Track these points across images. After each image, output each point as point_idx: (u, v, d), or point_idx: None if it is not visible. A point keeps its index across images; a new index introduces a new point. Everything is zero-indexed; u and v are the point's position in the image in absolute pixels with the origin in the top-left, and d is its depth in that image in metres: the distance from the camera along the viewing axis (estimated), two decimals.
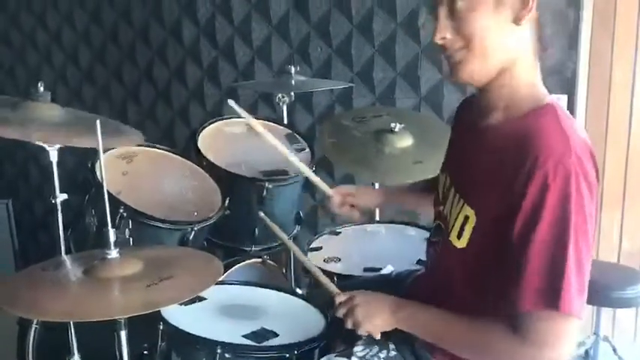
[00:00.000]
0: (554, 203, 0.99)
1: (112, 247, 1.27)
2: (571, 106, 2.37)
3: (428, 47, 2.53)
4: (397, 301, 1.21)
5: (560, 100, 2.37)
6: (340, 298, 1.26)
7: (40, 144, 1.49)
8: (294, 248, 1.49)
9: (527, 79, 1.12)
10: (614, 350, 2.20)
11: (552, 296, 0.99)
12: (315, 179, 1.67)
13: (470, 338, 1.12)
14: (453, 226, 1.15)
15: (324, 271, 1.77)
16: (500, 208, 1.04)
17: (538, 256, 1.00)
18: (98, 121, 1.18)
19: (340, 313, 1.24)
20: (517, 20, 1.07)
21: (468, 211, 1.12)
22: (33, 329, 1.79)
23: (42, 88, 1.56)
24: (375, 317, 1.20)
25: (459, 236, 1.14)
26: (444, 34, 1.10)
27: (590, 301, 2.01)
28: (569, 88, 2.37)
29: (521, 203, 1.01)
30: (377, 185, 2.15)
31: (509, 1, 1.06)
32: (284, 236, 1.53)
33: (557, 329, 1.01)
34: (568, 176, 0.99)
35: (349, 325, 1.22)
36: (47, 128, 1.48)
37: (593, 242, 1.06)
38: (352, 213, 1.64)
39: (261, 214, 1.59)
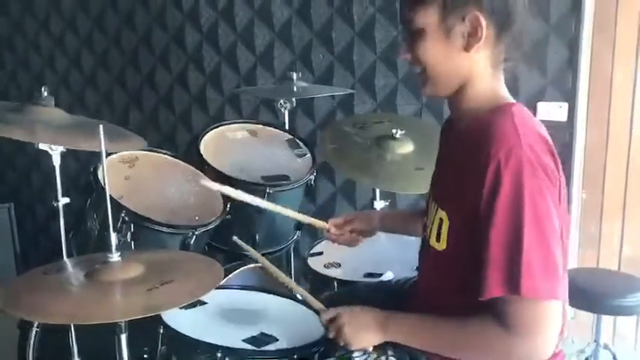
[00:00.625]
0: (507, 190, 1.02)
1: (114, 251, 1.28)
2: (572, 114, 2.38)
3: None
4: (383, 313, 1.22)
5: (561, 109, 2.38)
6: (325, 315, 1.26)
7: (44, 148, 1.50)
8: (272, 268, 1.49)
9: (487, 88, 1.16)
10: (614, 358, 2.19)
11: (513, 281, 1.01)
12: (308, 220, 1.65)
13: (458, 338, 1.13)
14: (431, 230, 1.19)
15: (325, 277, 1.79)
16: (466, 206, 1.08)
17: (495, 242, 1.03)
18: (101, 126, 1.19)
19: (330, 334, 1.25)
20: (467, 47, 1.11)
21: (442, 214, 1.16)
22: (33, 333, 1.80)
23: (46, 93, 1.57)
24: (363, 334, 1.20)
25: (438, 239, 1.17)
26: (405, 54, 1.18)
27: (590, 309, 2.05)
28: (569, 96, 2.38)
29: (481, 196, 1.03)
30: (377, 191, 2.16)
31: (459, 31, 1.10)
32: (262, 258, 1.52)
33: (527, 313, 1.02)
34: (520, 164, 1.02)
35: (340, 343, 1.23)
36: (51, 131, 1.49)
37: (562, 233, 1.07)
38: (352, 239, 1.64)
39: (235, 238, 1.58)
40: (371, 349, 1.22)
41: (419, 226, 1.38)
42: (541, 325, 1.02)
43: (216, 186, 1.53)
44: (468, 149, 1.10)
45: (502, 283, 1.02)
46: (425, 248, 1.28)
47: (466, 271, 1.11)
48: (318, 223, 1.64)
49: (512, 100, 1.17)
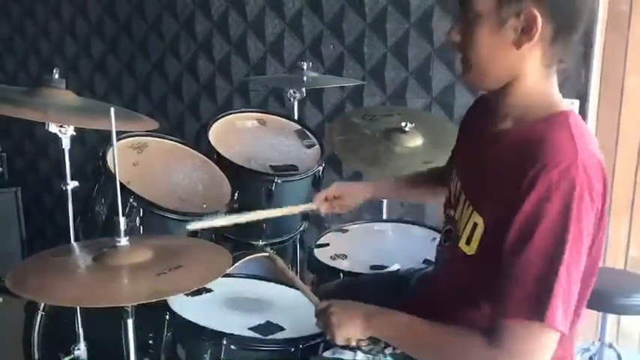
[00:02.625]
0: (554, 214, 0.97)
1: (122, 235, 1.28)
2: (583, 112, 2.36)
3: (440, 48, 2.52)
4: (371, 309, 1.20)
5: (573, 105, 2.36)
6: (318, 307, 1.26)
7: (54, 131, 1.49)
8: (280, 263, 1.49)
9: (538, 89, 1.11)
10: (619, 357, 2.19)
11: (539, 309, 0.97)
12: (294, 209, 1.69)
13: (443, 347, 1.10)
14: (463, 232, 1.14)
15: (331, 268, 1.79)
16: (502, 215, 1.03)
17: (530, 265, 0.98)
18: (112, 109, 1.19)
19: (319, 324, 1.24)
20: (517, 45, 1.06)
21: (477, 218, 1.11)
22: (39, 316, 1.80)
23: (57, 75, 1.57)
24: (348, 325, 1.19)
25: (468, 242, 1.13)
26: (454, 36, 1.12)
27: (595, 308, 2.04)
28: (581, 93, 2.36)
29: (520, 208, 0.99)
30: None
31: (512, 25, 1.05)
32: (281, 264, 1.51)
33: (535, 341, 0.99)
34: (572, 188, 0.97)
35: (327, 335, 1.22)
36: (63, 112, 1.49)
37: (597, 255, 1.05)
38: (341, 209, 1.65)
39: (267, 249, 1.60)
40: (353, 343, 1.20)
41: (411, 195, 1.34)
42: (539, 354, 1.00)
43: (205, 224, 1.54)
44: (515, 157, 1.04)
45: (526, 309, 0.98)
46: (449, 247, 1.23)
47: (488, 280, 1.08)
48: (306, 207, 1.65)
49: (565, 105, 1.11)
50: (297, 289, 1.39)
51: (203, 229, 1.62)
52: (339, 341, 1.20)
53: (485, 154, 1.15)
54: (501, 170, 1.07)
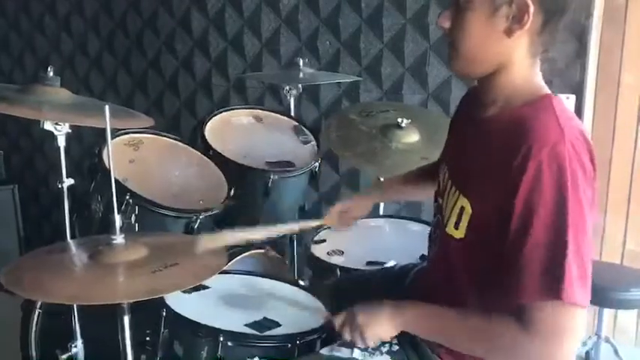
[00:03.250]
0: (550, 192, 0.99)
1: (118, 233, 1.28)
2: (579, 107, 2.36)
3: (437, 44, 2.52)
4: (395, 305, 1.19)
5: (569, 100, 2.36)
6: (338, 320, 1.24)
7: (49, 128, 1.49)
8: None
9: (523, 77, 1.12)
10: (616, 352, 2.19)
11: (554, 286, 0.98)
12: (305, 225, 1.65)
13: (473, 334, 1.10)
14: (450, 216, 1.15)
15: (328, 264, 1.79)
16: (495, 198, 1.04)
17: (537, 244, 1.00)
18: (107, 106, 1.19)
19: (346, 336, 1.22)
20: (508, 33, 1.07)
21: (464, 201, 1.12)
22: (36, 314, 1.80)
23: (52, 73, 1.57)
24: (379, 327, 1.18)
25: (457, 226, 1.14)
26: (444, 22, 1.13)
27: (592, 302, 2.02)
28: (577, 88, 2.36)
29: (516, 192, 1.00)
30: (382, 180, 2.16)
31: (504, 13, 1.06)
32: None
33: (560, 319, 1.00)
34: (562, 164, 0.99)
35: (359, 344, 1.20)
36: (58, 110, 1.49)
37: (592, 233, 1.05)
38: (349, 223, 1.65)
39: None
40: (388, 340, 1.21)
41: (414, 193, 1.37)
42: (569, 332, 1.01)
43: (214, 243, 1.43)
44: (502, 140, 1.06)
45: (541, 288, 0.99)
46: (439, 234, 1.24)
47: (481, 262, 1.10)
48: (316, 223, 1.64)
49: (547, 90, 1.13)
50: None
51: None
52: (371, 343, 1.19)
53: (472, 140, 1.17)
54: (489, 153, 1.09)
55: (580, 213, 1.00)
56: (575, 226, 0.99)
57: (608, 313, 2.20)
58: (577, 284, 0.98)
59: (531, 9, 1.04)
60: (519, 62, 1.11)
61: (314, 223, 1.64)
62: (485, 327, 1.08)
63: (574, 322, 1.01)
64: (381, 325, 1.18)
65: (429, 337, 1.17)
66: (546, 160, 0.99)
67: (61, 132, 1.52)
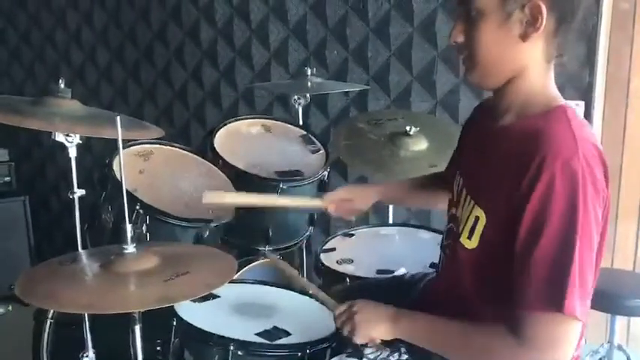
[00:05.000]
0: (561, 204, 0.99)
1: (129, 242, 1.28)
2: (588, 113, 2.36)
3: (444, 51, 2.53)
4: (397, 310, 1.20)
5: (578, 107, 2.36)
6: (339, 309, 1.25)
7: (60, 140, 1.51)
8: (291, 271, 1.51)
9: (538, 84, 1.12)
10: (628, 359, 2.18)
11: (557, 299, 0.98)
12: (304, 202, 1.74)
13: (471, 345, 1.10)
14: (464, 227, 1.15)
15: (337, 273, 1.79)
16: (508, 209, 1.04)
17: (543, 257, 1.00)
18: (118, 117, 1.20)
19: (339, 322, 1.24)
20: (524, 37, 1.08)
21: (478, 211, 1.12)
22: (48, 324, 1.81)
23: (63, 85, 1.59)
24: (373, 324, 1.19)
25: (470, 237, 1.13)
26: (457, 37, 1.13)
27: (604, 309, 2.03)
28: (586, 94, 2.36)
29: (527, 203, 1.00)
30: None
31: (518, 18, 1.06)
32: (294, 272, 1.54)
33: (559, 331, 1.00)
34: (575, 178, 0.99)
35: (346, 332, 1.21)
36: (70, 121, 1.51)
37: (599, 248, 1.05)
38: (349, 215, 1.64)
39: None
40: (378, 341, 1.20)
41: (417, 199, 1.41)
42: (566, 344, 1.01)
43: (219, 199, 1.56)
44: (516, 150, 1.05)
45: (544, 299, 0.99)
46: (451, 244, 1.24)
47: (490, 273, 1.10)
48: (315, 202, 1.65)
49: (562, 99, 1.13)
50: (310, 294, 1.39)
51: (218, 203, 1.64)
52: (360, 340, 1.20)
53: (487, 149, 1.17)
54: (503, 164, 1.08)
55: (588, 229, 1.00)
56: (582, 242, 0.99)
57: (620, 320, 2.18)
58: (578, 299, 0.98)
59: (544, 11, 1.04)
60: (535, 67, 1.11)
61: (313, 202, 1.67)
62: (484, 338, 1.08)
63: (571, 335, 1.01)
64: (377, 326, 1.19)
65: (426, 345, 1.17)
66: (559, 172, 0.99)
67: (72, 143, 1.53)
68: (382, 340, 1.21)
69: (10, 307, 2.98)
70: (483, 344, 1.08)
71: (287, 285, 1.69)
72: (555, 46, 1.10)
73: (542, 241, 0.99)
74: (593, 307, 1.97)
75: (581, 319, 1.00)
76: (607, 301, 1.95)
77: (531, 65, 1.11)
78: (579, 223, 0.98)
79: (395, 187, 1.75)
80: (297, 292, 1.66)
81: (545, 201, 0.99)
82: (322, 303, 1.37)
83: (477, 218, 1.12)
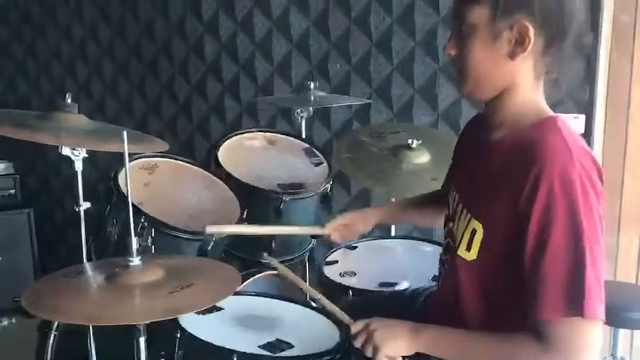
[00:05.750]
0: (563, 212, 1.01)
1: (135, 255, 1.30)
2: (589, 127, 2.37)
3: (446, 65, 2.55)
4: (413, 324, 1.20)
5: (578, 120, 2.37)
6: (357, 326, 1.24)
7: (67, 154, 1.53)
8: (299, 282, 1.52)
9: (529, 97, 1.15)
10: None
11: (576, 303, 1.00)
12: (305, 230, 1.80)
13: (494, 354, 1.11)
14: (462, 240, 1.17)
15: (340, 285, 1.79)
16: (508, 220, 1.06)
17: (554, 264, 1.01)
18: (125, 132, 1.22)
19: (358, 342, 1.22)
20: (512, 56, 1.11)
21: (475, 224, 1.14)
22: (52, 336, 1.82)
23: (69, 100, 1.61)
24: (394, 340, 1.18)
25: (469, 249, 1.15)
26: (450, 50, 1.17)
27: (607, 322, 2.00)
28: (587, 108, 2.37)
29: (530, 214, 1.02)
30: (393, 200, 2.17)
31: (507, 37, 1.09)
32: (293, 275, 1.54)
33: (582, 335, 1.02)
34: (573, 184, 1.01)
35: (369, 352, 1.21)
36: (76, 135, 1.53)
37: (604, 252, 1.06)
38: (350, 236, 1.68)
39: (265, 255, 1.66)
40: (399, 359, 1.20)
41: (416, 218, 1.46)
42: (590, 346, 1.02)
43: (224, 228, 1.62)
44: (511, 163, 1.08)
45: (562, 305, 1.01)
46: (449, 258, 1.25)
47: (492, 283, 1.11)
48: (316, 230, 1.68)
49: (551, 112, 1.16)
50: (314, 304, 1.39)
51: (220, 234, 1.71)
52: (382, 359, 1.19)
53: (482, 162, 1.19)
54: (499, 176, 1.10)
55: (594, 229, 1.02)
56: (590, 242, 1.01)
57: (623, 333, 2.18)
58: (596, 299, 1.00)
59: (531, 32, 1.07)
60: (524, 84, 1.14)
61: (314, 230, 1.69)
62: (506, 347, 1.09)
63: (594, 336, 1.02)
64: (398, 343, 1.18)
65: (448, 357, 1.17)
66: (557, 180, 1.01)
67: (78, 157, 1.55)
68: (402, 357, 1.20)
69: (13, 320, 2.99)
70: (507, 354, 1.09)
71: (290, 297, 1.69)
72: (545, 64, 1.14)
73: (551, 249, 1.01)
74: None
75: (602, 318, 1.01)
76: (610, 313, 1.91)
77: (521, 81, 1.14)
78: (584, 226, 1.00)
79: (394, 208, 1.79)
80: (300, 304, 1.66)
81: (547, 210, 1.01)
82: (328, 311, 1.37)
83: (474, 231, 1.14)
